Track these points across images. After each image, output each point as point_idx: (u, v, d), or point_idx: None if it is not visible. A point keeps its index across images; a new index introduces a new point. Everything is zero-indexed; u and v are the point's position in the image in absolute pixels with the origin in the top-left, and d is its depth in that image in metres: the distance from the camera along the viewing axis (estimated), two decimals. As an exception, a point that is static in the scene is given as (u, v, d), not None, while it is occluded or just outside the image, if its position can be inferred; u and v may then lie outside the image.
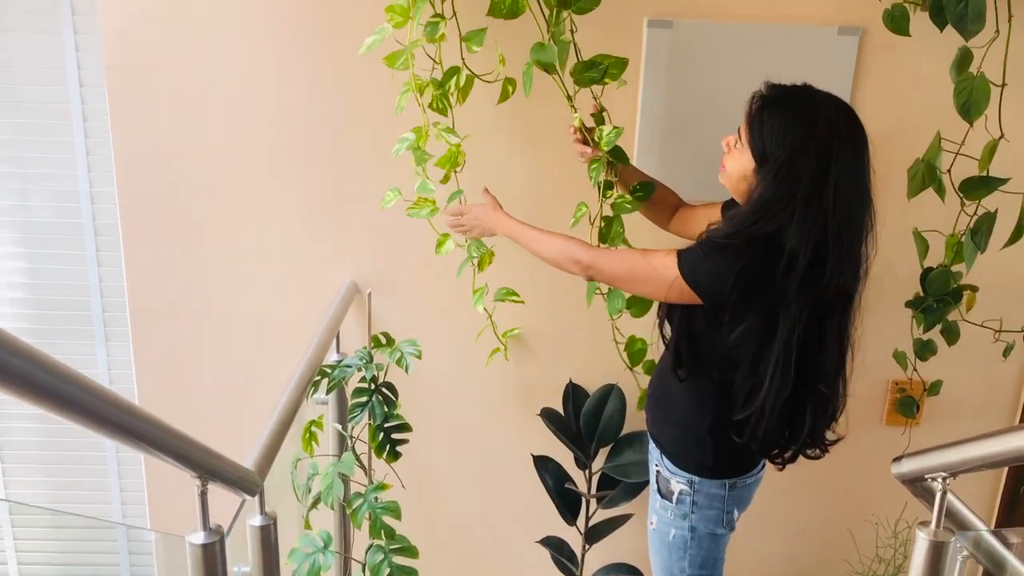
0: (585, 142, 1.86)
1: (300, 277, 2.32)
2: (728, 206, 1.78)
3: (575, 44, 1.87)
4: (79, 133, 2.39)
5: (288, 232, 2.28)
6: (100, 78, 2.25)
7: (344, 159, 2.22)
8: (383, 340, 2.02)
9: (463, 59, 1.85)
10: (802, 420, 1.61)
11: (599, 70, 1.80)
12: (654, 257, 1.60)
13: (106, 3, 2.10)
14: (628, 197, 1.91)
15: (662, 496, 1.81)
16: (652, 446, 1.86)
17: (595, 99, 1.94)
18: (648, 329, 1.91)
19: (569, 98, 1.85)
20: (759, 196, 1.50)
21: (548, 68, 1.76)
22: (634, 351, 2.15)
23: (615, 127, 1.82)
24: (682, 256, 1.55)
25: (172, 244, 2.29)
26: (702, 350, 1.66)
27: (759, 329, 1.52)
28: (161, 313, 2.35)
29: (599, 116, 1.91)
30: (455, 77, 1.85)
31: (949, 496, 1.32)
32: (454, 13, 1.84)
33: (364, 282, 2.33)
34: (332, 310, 2.15)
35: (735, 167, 1.58)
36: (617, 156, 1.87)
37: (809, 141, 1.47)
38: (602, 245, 1.92)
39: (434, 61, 1.90)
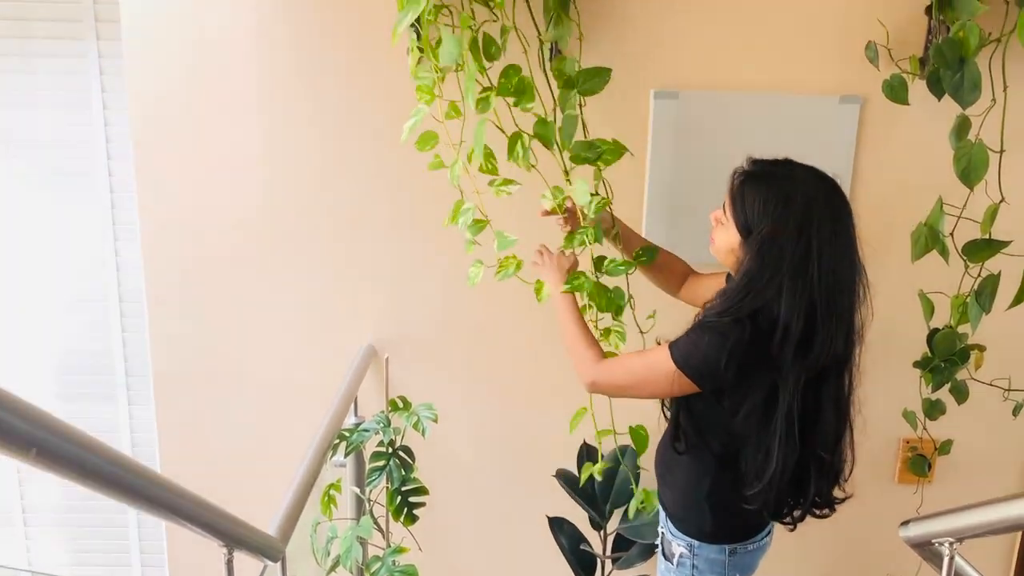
0: (566, 219, 1.88)
1: (319, 341, 2.38)
2: (732, 277, 1.83)
3: (583, 119, 1.93)
4: (106, 203, 2.47)
5: (308, 298, 2.35)
6: (128, 151, 2.34)
7: (361, 228, 2.29)
8: (400, 404, 2.07)
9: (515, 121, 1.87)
10: (808, 483, 1.63)
11: (595, 151, 1.84)
12: (649, 356, 1.61)
13: (134, 84, 2.21)
14: (619, 260, 1.91)
15: (665, 558, 1.83)
16: (660, 507, 1.88)
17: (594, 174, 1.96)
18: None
19: (566, 172, 1.88)
20: (745, 271, 1.53)
21: (546, 144, 1.81)
22: (639, 438, 2.06)
23: (602, 197, 1.84)
24: (673, 347, 1.56)
25: (195, 310, 2.36)
26: (702, 424, 1.67)
27: (760, 403, 1.54)
28: (183, 377, 2.41)
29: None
30: (519, 141, 1.82)
31: (957, 559, 1.34)
32: (492, 85, 1.89)
33: (381, 345, 2.38)
34: (350, 374, 2.20)
35: (722, 241, 1.62)
36: (595, 234, 1.85)
37: (789, 215, 1.49)
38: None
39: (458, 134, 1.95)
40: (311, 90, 2.21)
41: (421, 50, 1.84)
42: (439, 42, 1.79)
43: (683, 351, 1.55)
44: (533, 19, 1.94)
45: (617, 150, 1.85)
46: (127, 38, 2.18)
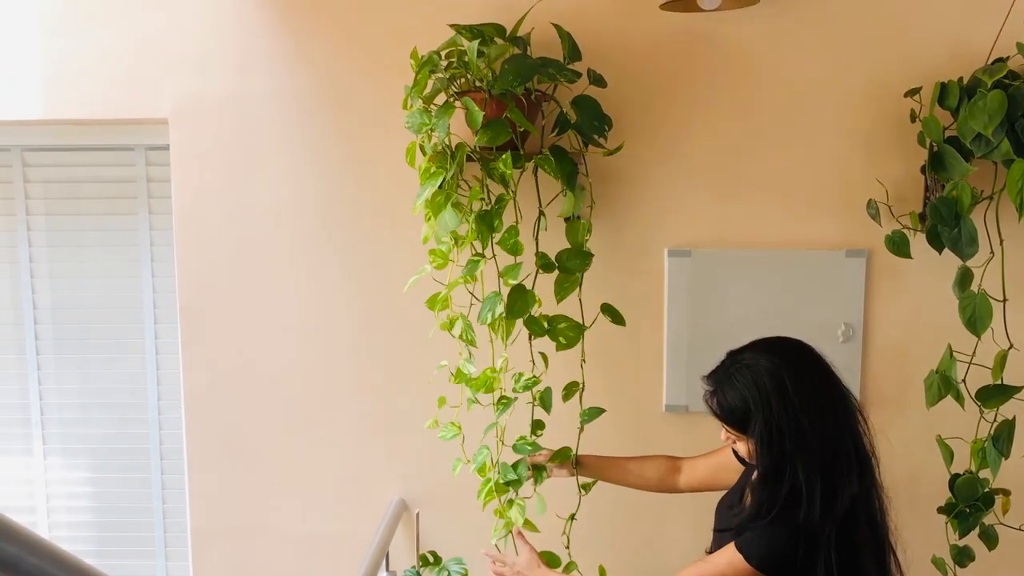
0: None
1: (351, 495, 2.44)
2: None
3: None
4: (151, 364, 2.60)
5: (340, 453, 2.43)
6: (173, 317, 2.49)
7: (391, 384, 2.40)
8: (430, 559, 2.11)
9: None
10: None
11: (552, 331, 2.01)
12: (718, 561, 1.63)
13: (183, 252, 2.38)
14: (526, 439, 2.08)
15: None
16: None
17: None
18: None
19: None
20: (761, 466, 1.57)
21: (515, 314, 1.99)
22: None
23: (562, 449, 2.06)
24: (741, 545, 1.59)
25: (233, 468, 2.45)
26: None
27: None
28: (220, 533, 2.47)
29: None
30: (492, 310, 2.01)
31: None
32: (494, 254, 2.05)
33: (412, 498, 2.43)
34: (382, 528, 2.25)
35: (743, 450, 1.67)
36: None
37: (767, 400, 1.54)
38: None
39: (473, 296, 2.10)
40: (341, 254, 2.37)
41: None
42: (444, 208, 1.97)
43: (753, 546, 1.57)
44: (538, 193, 2.10)
45: (576, 330, 2.01)
46: (177, 214, 2.37)
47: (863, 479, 1.59)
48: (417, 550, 2.28)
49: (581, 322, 2.04)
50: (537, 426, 2.10)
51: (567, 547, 2.16)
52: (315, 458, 2.44)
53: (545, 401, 2.04)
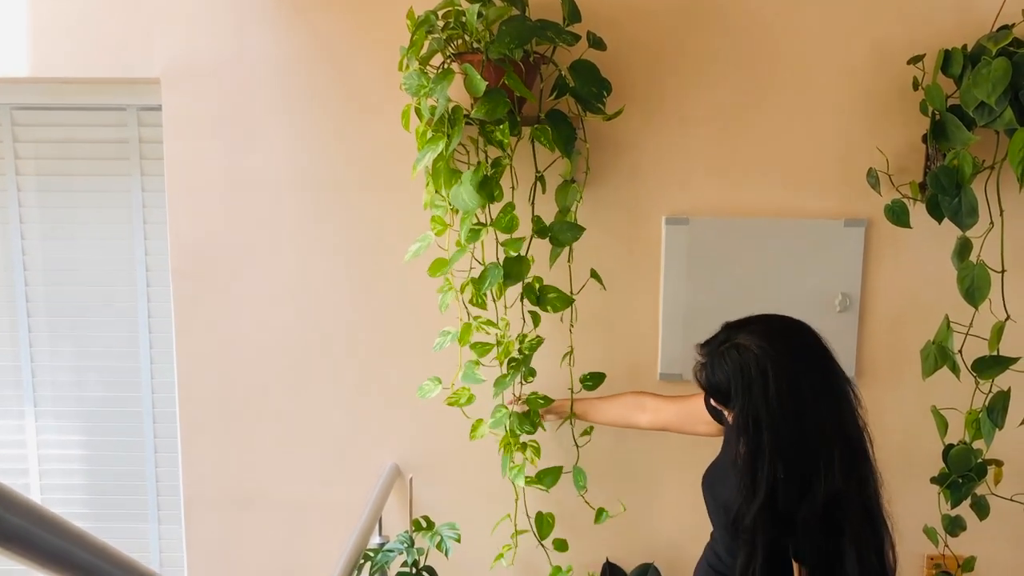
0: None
1: (345, 461, 2.44)
2: (709, 400, 1.88)
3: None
4: (144, 328, 2.58)
5: (333, 419, 2.42)
6: (166, 280, 2.46)
7: (386, 352, 2.38)
8: (423, 524, 2.11)
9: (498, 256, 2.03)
10: None
11: (540, 296, 2.06)
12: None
13: (175, 215, 2.35)
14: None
15: None
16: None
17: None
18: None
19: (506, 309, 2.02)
20: (744, 453, 1.56)
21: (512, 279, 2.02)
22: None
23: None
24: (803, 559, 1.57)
25: (227, 433, 2.44)
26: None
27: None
28: (213, 498, 2.47)
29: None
30: (494, 280, 2.00)
31: None
32: (493, 221, 2.03)
33: (405, 464, 2.43)
34: (375, 494, 2.25)
35: (730, 417, 1.66)
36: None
37: (748, 387, 1.53)
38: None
39: (479, 262, 2.09)
40: (337, 217, 2.34)
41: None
42: (447, 176, 1.95)
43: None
44: (534, 157, 2.07)
45: (564, 299, 2.05)
46: (169, 177, 2.34)
47: (851, 472, 1.54)
48: (410, 515, 2.28)
49: (570, 290, 2.06)
50: (530, 372, 2.14)
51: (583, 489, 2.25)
52: (309, 424, 2.43)
53: (527, 360, 2.11)
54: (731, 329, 1.63)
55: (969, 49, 2.01)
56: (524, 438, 2.15)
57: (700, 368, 1.65)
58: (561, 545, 2.22)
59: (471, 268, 2.12)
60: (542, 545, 2.19)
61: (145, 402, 2.64)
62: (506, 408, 2.12)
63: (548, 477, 2.18)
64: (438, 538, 2.06)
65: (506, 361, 2.08)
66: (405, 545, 2.07)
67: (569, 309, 2.11)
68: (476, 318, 2.07)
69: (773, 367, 1.52)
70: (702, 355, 1.65)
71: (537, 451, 2.16)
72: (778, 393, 1.51)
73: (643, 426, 2.14)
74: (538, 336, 2.11)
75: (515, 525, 2.24)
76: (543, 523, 2.18)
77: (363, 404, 2.42)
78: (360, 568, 2.02)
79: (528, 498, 2.28)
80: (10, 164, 2.52)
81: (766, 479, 1.52)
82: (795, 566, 1.56)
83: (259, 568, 2.50)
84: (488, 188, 1.93)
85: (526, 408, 2.12)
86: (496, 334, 2.07)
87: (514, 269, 1.98)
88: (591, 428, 2.28)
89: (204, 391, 2.43)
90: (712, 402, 1.67)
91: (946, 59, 2.03)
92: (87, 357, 2.64)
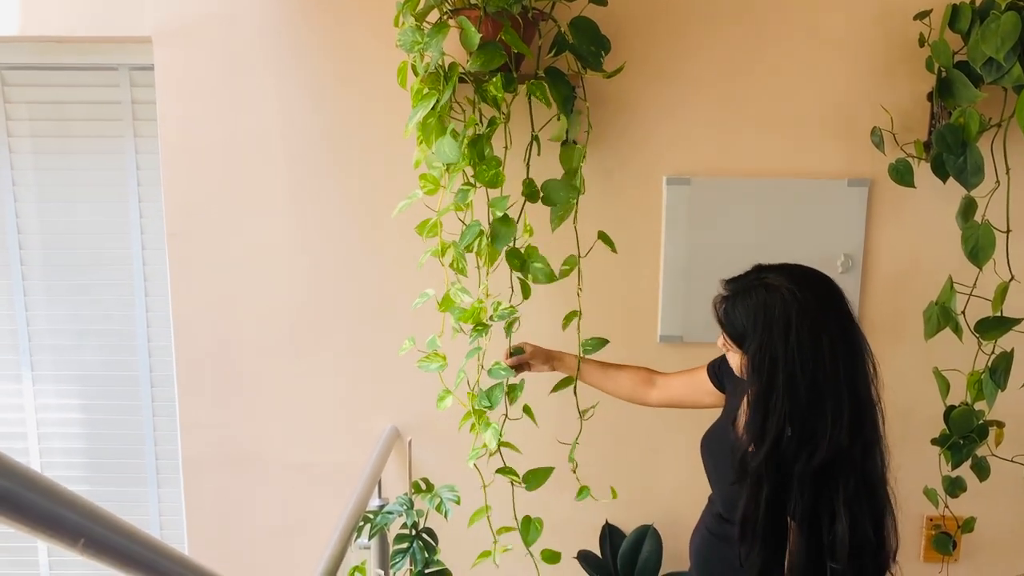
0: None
1: (343, 424, 2.43)
2: (712, 368, 1.89)
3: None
4: (140, 291, 2.56)
5: (332, 382, 2.41)
6: (161, 242, 2.44)
7: (385, 314, 2.36)
8: (423, 486, 2.10)
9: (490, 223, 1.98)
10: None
11: (525, 267, 1.97)
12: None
13: (169, 176, 2.32)
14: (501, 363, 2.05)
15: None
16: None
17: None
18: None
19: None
20: (754, 393, 1.54)
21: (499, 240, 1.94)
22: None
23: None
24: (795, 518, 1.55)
25: (223, 396, 2.43)
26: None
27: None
28: (211, 462, 2.47)
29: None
30: (478, 238, 1.95)
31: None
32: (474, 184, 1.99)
33: (404, 427, 2.42)
34: (374, 456, 2.24)
35: (735, 362, 1.66)
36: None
37: (772, 324, 1.51)
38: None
39: (463, 223, 2.05)
40: (336, 184, 2.31)
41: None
42: (438, 133, 1.90)
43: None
44: (531, 116, 2.02)
45: (548, 277, 1.95)
46: (163, 137, 2.31)
47: (856, 434, 1.51)
48: (409, 478, 2.28)
49: (578, 253, 2.01)
50: (517, 351, 2.08)
51: (574, 471, 2.16)
52: (307, 386, 2.42)
53: (510, 329, 2.05)
54: (761, 270, 1.61)
55: (978, 3, 1.97)
56: (493, 416, 2.03)
57: (722, 301, 1.62)
58: (551, 557, 2.15)
59: (461, 231, 2.07)
60: (530, 553, 2.11)
61: (142, 365, 2.63)
62: (463, 373, 2.03)
63: (535, 478, 2.07)
64: (437, 500, 2.05)
65: (472, 326, 2.00)
66: (404, 507, 2.06)
67: (575, 272, 2.03)
68: (454, 283, 2.02)
69: (799, 311, 1.50)
70: (728, 290, 1.62)
71: (497, 432, 2.01)
72: (799, 338, 1.49)
73: (651, 403, 2.08)
74: (511, 306, 2.00)
75: (491, 527, 2.12)
76: (530, 528, 2.10)
77: (362, 366, 2.41)
78: (360, 530, 2.02)
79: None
80: (2, 125, 2.48)
81: (776, 419, 1.50)
82: (790, 525, 1.55)
83: (258, 531, 2.50)
84: (479, 147, 1.89)
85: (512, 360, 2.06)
86: (471, 302, 2.00)
87: (501, 231, 1.92)
88: (595, 404, 2.17)
89: (201, 353, 2.42)
90: (728, 342, 1.63)
91: (954, 14, 1.99)
92: (83, 320, 2.62)
